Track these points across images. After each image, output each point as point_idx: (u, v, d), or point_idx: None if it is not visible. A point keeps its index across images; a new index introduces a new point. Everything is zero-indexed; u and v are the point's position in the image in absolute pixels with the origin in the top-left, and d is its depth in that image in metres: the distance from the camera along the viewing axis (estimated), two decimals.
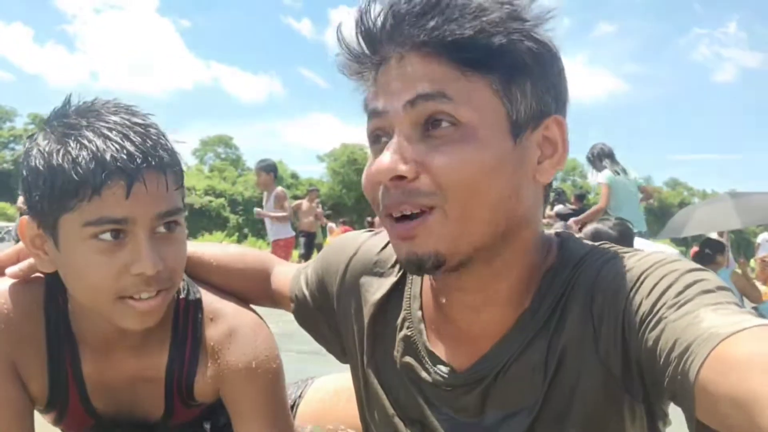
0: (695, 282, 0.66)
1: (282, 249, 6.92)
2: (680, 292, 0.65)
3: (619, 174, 5.23)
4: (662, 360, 0.61)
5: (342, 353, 1.03)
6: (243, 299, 1.08)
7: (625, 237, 3.04)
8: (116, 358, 0.98)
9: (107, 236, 0.82)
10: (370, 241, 0.98)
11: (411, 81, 0.70)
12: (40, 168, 0.82)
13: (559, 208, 6.77)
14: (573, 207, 7.04)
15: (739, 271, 6.13)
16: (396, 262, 0.92)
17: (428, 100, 0.69)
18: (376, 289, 0.92)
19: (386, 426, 0.90)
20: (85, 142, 0.81)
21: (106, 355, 0.97)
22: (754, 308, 5.25)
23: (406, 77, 0.70)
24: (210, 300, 1.02)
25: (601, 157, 5.30)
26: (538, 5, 0.72)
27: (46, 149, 0.82)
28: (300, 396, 1.28)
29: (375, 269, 0.94)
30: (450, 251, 0.71)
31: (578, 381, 0.74)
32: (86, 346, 0.97)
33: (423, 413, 0.84)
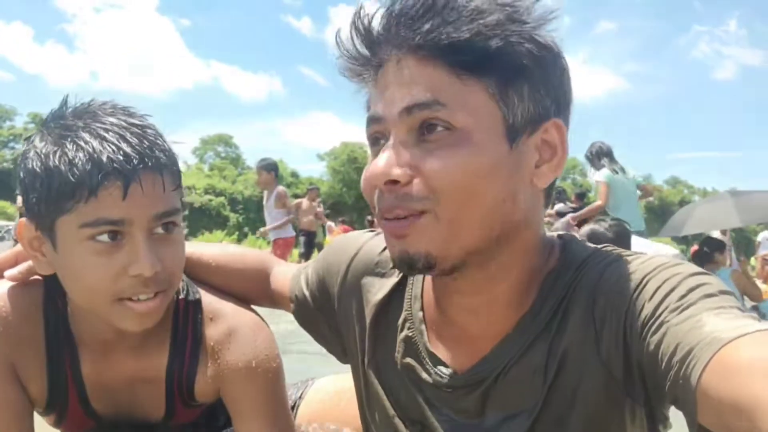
0: (698, 286, 0.66)
1: (281, 248, 6.94)
2: (683, 296, 0.64)
3: (617, 173, 5.23)
4: (664, 364, 0.61)
5: (343, 353, 1.03)
6: (243, 300, 1.08)
7: (621, 238, 3.02)
8: (116, 360, 0.97)
9: (104, 238, 0.82)
10: (372, 242, 0.98)
11: (407, 87, 0.69)
12: (37, 170, 0.82)
13: (559, 206, 6.76)
14: (573, 205, 7.03)
15: (739, 269, 6.13)
16: None
17: (423, 109, 0.68)
18: (378, 289, 0.92)
19: (387, 427, 0.90)
20: (82, 143, 0.81)
21: (106, 356, 0.97)
22: (755, 307, 5.26)
23: (402, 82, 0.70)
24: (209, 300, 1.02)
25: (599, 155, 5.30)
26: (541, 5, 0.71)
27: (43, 151, 0.82)
28: (300, 397, 1.28)
29: (376, 270, 0.94)
30: (441, 254, 0.71)
31: (579, 384, 0.74)
32: (85, 348, 0.97)
33: (423, 414, 0.84)
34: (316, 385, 1.31)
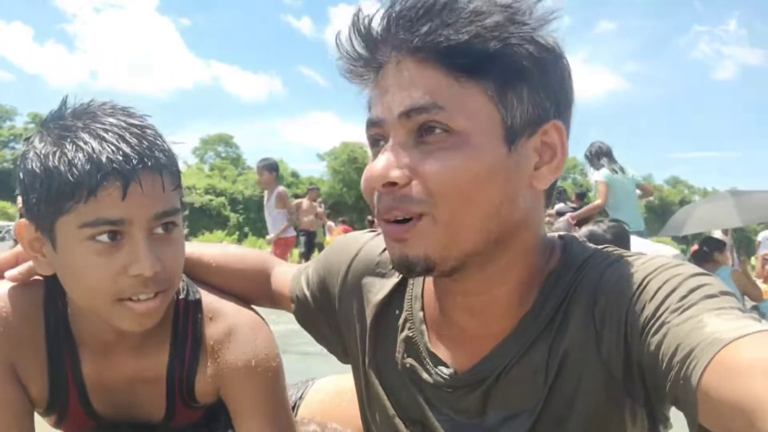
0: (699, 286, 0.66)
1: (281, 248, 6.94)
2: (683, 297, 0.65)
3: (616, 172, 5.23)
4: (664, 364, 0.61)
5: (343, 354, 1.03)
6: (243, 300, 1.08)
7: (620, 239, 3.02)
8: (116, 360, 0.97)
9: (104, 238, 0.82)
10: (372, 242, 0.98)
11: (407, 89, 0.69)
12: (37, 170, 0.82)
13: (560, 206, 6.76)
14: (574, 205, 7.03)
15: (739, 269, 6.12)
16: None
17: (421, 113, 0.68)
18: (378, 289, 0.92)
19: (387, 427, 0.90)
20: (81, 143, 0.81)
21: (106, 356, 0.97)
22: (755, 307, 5.25)
23: (402, 85, 0.70)
24: (209, 300, 1.02)
25: (599, 155, 5.30)
26: (542, 6, 0.70)
27: (43, 152, 0.82)
28: (300, 397, 1.28)
29: (377, 270, 0.94)
30: (440, 257, 0.71)
31: (579, 384, 0.74)
32: (86, 348, 0.97)
33: (424, 414, 0.84)
34: (316, 386, 1.31)
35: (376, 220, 0.77)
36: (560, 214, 5.97)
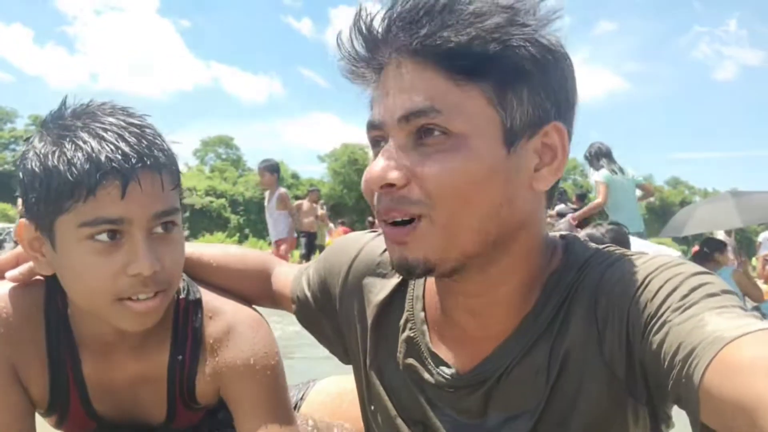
0: (700, 285, 0.66)
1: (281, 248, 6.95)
2: (685, 296, 0.64)
3: (616, 173, 5.23)
4: (666, 363, 0.61)
5: (344, 354, 1.03)
6: (244, 300, 1.08)
7: (619, 242, 3.02)
8: (117, 360, 0.97)
9: (103, 237, 0.82)
10: (373, 242, 0.97)
11: (407, 92, 0.69)
12: (36, 170, 0.82)
13: (560, 207, 6.76)
14: (574, 206, 7.04)
15: (740, 269, 6.12)
16: None
17: (420, 116, 0.68)
18: (379, 290, 0.92)
19: (389, 427, 0.90)
20: (80, 143, 0.81)
21: (107, 357, 0.97)
22: (756, 307, 5.25)
23: (402, 88, 0.70)
24: (209, 299, 1.02)
25: (598, 156, 5.30)
26: (544, 6, 0.70)
27: (42, 151, 0.82)
28: (302, 398, 1.28)
29: (378, 270, 0.94)
30: (439, 259, 0.71)
31: (581, 384, 0.74)
32: (86, 349, 0.97)
33: (425, 414, 0.84)
34: (317, 386, 1.31)
35: (376, 221, 0.77)
36: (561, 215, 5.97)
